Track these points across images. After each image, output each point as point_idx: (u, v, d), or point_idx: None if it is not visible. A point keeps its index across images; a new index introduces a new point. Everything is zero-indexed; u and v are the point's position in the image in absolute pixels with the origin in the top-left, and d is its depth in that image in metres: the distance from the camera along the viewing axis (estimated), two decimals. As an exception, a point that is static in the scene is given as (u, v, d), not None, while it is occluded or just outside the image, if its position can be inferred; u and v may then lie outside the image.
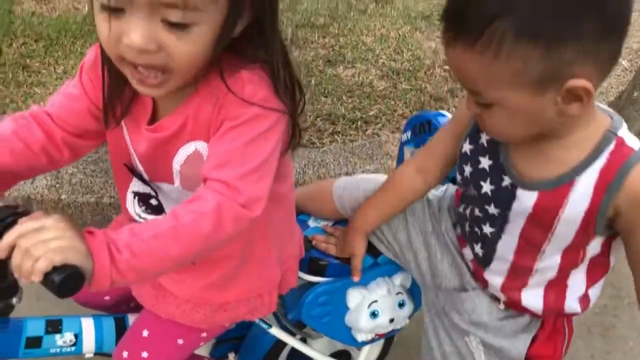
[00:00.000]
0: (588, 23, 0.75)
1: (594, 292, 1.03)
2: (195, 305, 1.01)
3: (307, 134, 2.08)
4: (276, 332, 1.23)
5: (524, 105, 0.82)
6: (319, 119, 2.16)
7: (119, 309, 1.17)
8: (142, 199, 0.97)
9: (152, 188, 0.95)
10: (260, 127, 0.79)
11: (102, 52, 0.83)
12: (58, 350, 1.06)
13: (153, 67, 0.76)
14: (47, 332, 1.04)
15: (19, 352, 1.03)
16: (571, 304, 1.01)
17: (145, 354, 1.01)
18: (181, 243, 0.75)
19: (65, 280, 0.67)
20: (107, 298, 1.15)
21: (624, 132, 0.88)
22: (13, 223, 0.72)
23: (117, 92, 0.87)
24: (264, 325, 1.22)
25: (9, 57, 2.37)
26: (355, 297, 1.17)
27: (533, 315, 1.05)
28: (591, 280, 1.01)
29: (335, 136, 2.10)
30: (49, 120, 0.90)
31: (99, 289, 0.71)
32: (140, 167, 0.94)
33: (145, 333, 1.02)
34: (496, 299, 1.07)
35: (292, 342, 1.27)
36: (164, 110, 0.87)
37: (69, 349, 1.07)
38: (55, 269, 0.67)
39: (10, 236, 0.69)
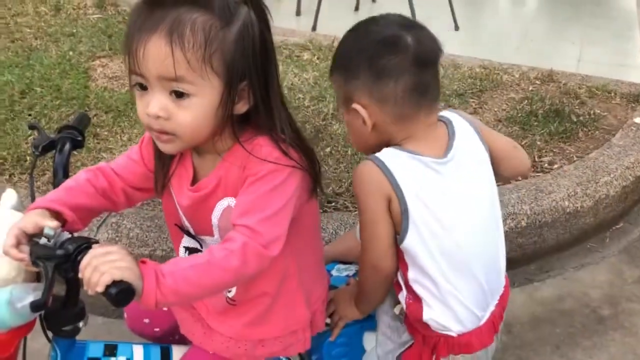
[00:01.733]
0: (363, 69, 1.09)
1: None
2: (237, 342, 1.18)
3: (342, 198, 2.26)
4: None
5: (348, 120, 1.14)
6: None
7: (166, 340, 1.34)
8: (192, 252, 1.17)
9: (198, 242, 1.15)
10: (275, 180, 0.99)
11: None
12: (112, 372, 1.24)
13: (165, 132, 0.99)
14: (104, 354, 1.22)
15: (81, 371, 1.21)
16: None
17: None
18: (213, 274, 0.94)
19: (120, 293, 0.86)
20: (157, 330, 1.33)
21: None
22: (88, 248, 0.92)
23: (163, 162, 1.09)
24: (289, 364, 1.36)
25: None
26: (371, 340, 1.31)
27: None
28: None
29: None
30: (112, 173, 1.15)
31: (147, 306, 0.90)
32: (187, 224, 1.14)
33: None
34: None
35: (316, 381, 1.40)
36: (201, 174, 1.09)
37: (121, 372, 1.24)
38: (114, 283, 0.86)
39: (87, 257, 0.89)
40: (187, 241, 1.17)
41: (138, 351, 1.25)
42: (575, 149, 2.68)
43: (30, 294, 0.97)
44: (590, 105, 3.04)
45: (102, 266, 0.88)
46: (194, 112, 0.97)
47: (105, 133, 2.68)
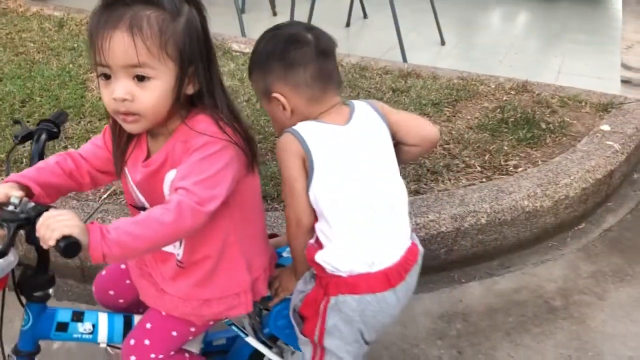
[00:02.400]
0: (276, 62, 1.34)
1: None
2: (185, 301, 1.33)
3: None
4: (252, 341, 1.52)
5: (270, 110, 1.36)
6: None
7: (129, 310, 1.49)
8: None
9: None
10: (210, 150, 1.16)
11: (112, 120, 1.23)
12: (79, 336, 1.39)
13: (131, 114, 1.16)
14: (72, 319, 1.38)
15: (50, 334, 1.37)
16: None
17: (147, 342, 1.33)
18: (152, 227, 1.10)
19: (68, 246, 1.03)
20: (121, 301, 1.48)
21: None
22: (45, 210, 1.09)
23: (119, 146, 1.26)
24: (242, 334, 1.52)
25: (76, 132, 2.87)
26: (312, 312, 1.46)
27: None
28: None
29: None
30: (79, 157, 1.33)
31: (95, 258, 1.06)
32: (142, 200, 1.30)
33: (148, 325, 1.35)
34: None
35: (267, 352, 1.55)
36: (153, 151, 1.25)
37: (87, 337, 1.40)
38: (63, 238, 1.03)
39: (41, 218, 1.06)
40: None
41: (103, 318, 1.41)
42: (542, 154, 2.82)
43: (-2, 254, 1.14)
44: (560, 114, 3.18)
45: (54, 224, 1.04)
46: (154, 92, 1.15)
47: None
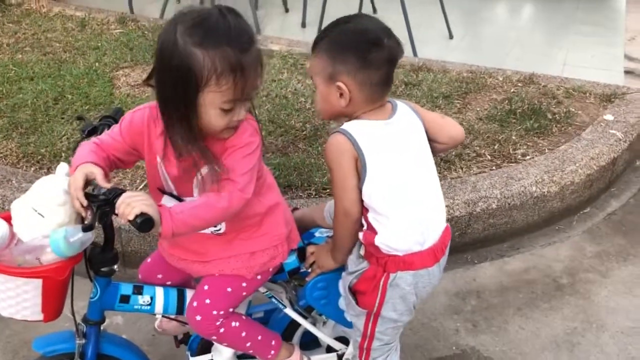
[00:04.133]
0: (353, 57, 1.40)
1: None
2: (236, 258, 1.52)
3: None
4: (289, 312, 1.70)
5: (323, 89, 1.43)
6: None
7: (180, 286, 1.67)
8: None
9: (178, 201, 1.46)
10: (250, 149, 1.36)
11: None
12: (139, 307, 1.57)
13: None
14: (133, 292, 1.56)
15: (115, 305, 1.55)
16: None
17: (207, 301, 1.51)
18: (209, 211, 1.31)
19: (144, 222, 1.21)
20: (169, 283, 1.65)
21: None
22: (121, 194, 1.27)
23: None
24: (281, 306, 1.69)
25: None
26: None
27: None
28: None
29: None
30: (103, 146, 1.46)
31: (165, 234, 1.25)
32: (172, 187, 1.46)
33: (205, 287, 1.53)
34: None
35: (303, 322, 1.72)
36: None
37: (146, 308, 1.58)
38: (139, 215, 1.21)
39: (122, 197, 1.25)
40: (165, 200, 1.47)
41: (159, 292, 1.58)
42: (548, 143, 2.98)
43: (79, 232, 1.31)
44: (566, 105, 3.34)
45: (133, 203, 1.22)
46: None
47: (129, 133, 3.03)
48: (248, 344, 1.57)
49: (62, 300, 1.44)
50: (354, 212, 1.48)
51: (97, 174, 1.33)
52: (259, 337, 1.58)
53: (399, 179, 1.47)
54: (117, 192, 1.28)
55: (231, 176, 1.34)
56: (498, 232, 2.61)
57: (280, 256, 1.57)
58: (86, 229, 1.29)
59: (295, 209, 1.79)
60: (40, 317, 1.41)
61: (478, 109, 3.27)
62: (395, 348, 1.64)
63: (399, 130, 1.48)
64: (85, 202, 1.29)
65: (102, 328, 1.57)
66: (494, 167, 2.77)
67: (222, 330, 1.50)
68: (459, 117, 3.15)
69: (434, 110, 3.21)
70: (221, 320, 1.49)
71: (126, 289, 1.55)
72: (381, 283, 1.50)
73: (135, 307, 1.57)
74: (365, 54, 1.40)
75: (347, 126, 1.46)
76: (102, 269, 1.49)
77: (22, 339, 1.66)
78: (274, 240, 1.55)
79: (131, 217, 1.21)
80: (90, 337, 1.53)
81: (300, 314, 1.71)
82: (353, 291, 1.55)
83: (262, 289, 1.66)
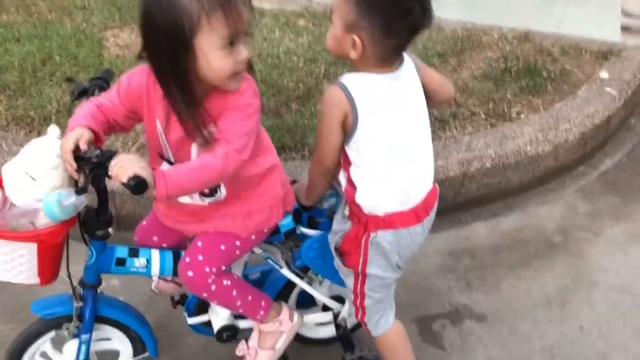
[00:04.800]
0: (378, 17, 1.34)
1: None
2: (232, 217, 1.52)
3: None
4: (286, 272, 1.71)
5: (338, 32, 1.41)
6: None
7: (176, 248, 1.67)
8: None
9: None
10: (249, 110, 1.34)
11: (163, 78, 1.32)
12: (135, 270, 1.57)
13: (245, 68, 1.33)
14: (129, 255, 1.56)
15: (111, 268, 1.55)
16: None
17: (200, 257, 1.51)
18: (204, 172, 1.30)
19: (137, 184, 1.20)
20: (164, 245, 1.65)
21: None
22: (113, 156, 1.26)
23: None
24: (277, 267, 1.70)
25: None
26: (339, 245, 1.63)
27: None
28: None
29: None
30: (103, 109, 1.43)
31: (160, 197, 1.24)
32: (169, 153, 1.44)
33: (199, 244, 1.53)
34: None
35: (299, 282, 1.73)
36: None
37: (142, 270, 1.58)
38: (133, 177, 1.20)
39: (115, 159, 1.24)
40: (164, 166, 1.46)
41: (155, 254, 1.58)
42: (543, 101, 2.96)
43: (72, 195, 1.30)
44: (561, 62, 3.31)
45: (127, 165, 1.21)
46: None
47: (120, 94, 2.99)
48: (238, 303, 1.58)
49: (58, 264, 1.44)
50: (327, 164, 1.50)
51: (85, 136, 1.31)
52: (249, 298, 1.59)
53: (391, 136, 1.46)
54: (109, 155, 1.26)
55: (228, 137, 1.32)
56: (492, 191, 2.62)
57: (276, 217, 1.57)
58: (79, 192, 1.28)
59: (293, 181, 1.78)
60: (37, 280, 1.41)
61: (473, 67, 3.23)
62: (391, 307, 1.66)
63: (401, 86, 1.46)
64: (75, 165, 1.27)
65: (99, 291, 1.58)
66: (488, 126, 2.76)
67: (213, 287, 1.51)
68: (454, 76, 3.12)
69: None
70: (213, 277, 1.50)
71: (122, 252, 1.55)
72: (362, 242, 1.51)
73: (132, 269, 1.57)
74: (392, 21, 1.35)
75: (348, 79, 1.42)
76: (97, 232, 1.49)
77: (20, 302, 1.67)
78: (270, 200, 1.55)
79: (124, 180, 1.20)
80: (87, 300, 1.54)
81: (296, 274, 1.72)
82: (340, 252, 1.56)
83: (258, 250, 1.67)
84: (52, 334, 1.58)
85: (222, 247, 1.52)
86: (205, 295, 1.53)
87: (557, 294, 2.18)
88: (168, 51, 1.26)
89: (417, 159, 1.51)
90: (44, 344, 1.60)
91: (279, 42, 3.44)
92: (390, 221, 1.49)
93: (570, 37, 3.57)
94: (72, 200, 1.30)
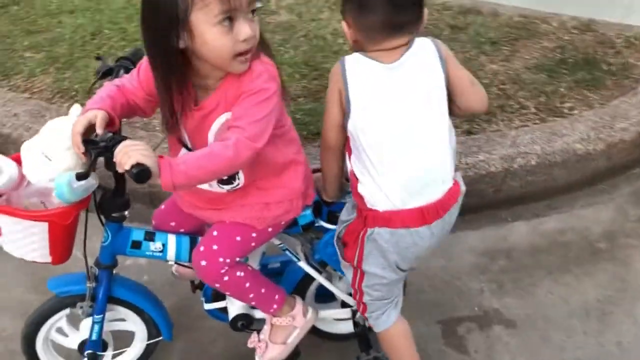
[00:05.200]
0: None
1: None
2: (250, 207, 1.48)
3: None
4: (303, 265, 1.66)
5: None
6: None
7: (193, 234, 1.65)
8: None
9: None
10: (264, 95, 1.27)
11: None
12: (151, 254, 1.56)
13: (250, 50, 1.26)
14: (145, 238, 1.54)
15: (126, 250, 1.54)
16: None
17: (215, 247, 1.47)
18: (213, 160, 1.24)
19: (140, 173, 1.17)
20: (182, 231, 1.62)
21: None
22: (121, 141, 1.23)
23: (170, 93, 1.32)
24: (294, 259, 1.66)
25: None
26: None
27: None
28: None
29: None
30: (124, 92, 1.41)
31: (165, 186, 1.20)
32: (187, 140, 1.41)
33: (215, 233, 1.50)
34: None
35: (317, 276, 1.68)
36: (203, 96, 1.34)
37: (158, 254, 1.56)
38: (136, 165, 1.17)
39: (120, 146, 1.20)
40: (183, 152, 1.43)
41: (172, 239, 1.56)
42: (600, 97, 2.78)
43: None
44: (625, 55, 3.10)
45: (130, 152, 1.18)
46: (257, 21, 1.26)
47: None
48: (251, 296, 1.55)
49: (70, 244, 1.44)
50: (330, 142, 1.46)
51: (99, 119, 1.29)
52: (262, 290, 1.55)
53: (386, 124, 1.38)
54: (117, 140, 1.24)
55: (240, 123, 1.27)
56: (536, 190, 2.48)
57: (295, 211, 1.52)
58: (80, 177, 1.26)
59: (315, 170, 1.72)
60: (49, 259, 1.42)
61: (527, 57, 3.07)
62: (395, 304, 1.58)
63: (401, 76, 1.37)
64: (82, 148, 1.26)
65: (115, 271, 1.58)
66: (537, 121, 2.61)
67: (226, 278, 1.48)
68: (505, 65, 2.97)
69: (479, 57, 3.04)
70: (226, 268, 1.47)
71: (138, 234, 1.54)
72: (360, 236, 1.45)
73: (147, 253, 1.55)
74: None
75: (350, 57, 1.39)
76: (113, 215, 1.48)
77: (43, 277, 1.71)
78: (290, 194, 1.50)
79: (127, 167, 1.17)
80: (101, 280, 1.54)
81: (314, 268, 1.67)
82: (342, 242, 1.52)
83: (276, 241, 1.63)
84: (67, 311, 1.59)
85: (238, 238, 1.49)
86: (217, 285, 1.50)
87: (597, 304, 2.05)
88: (164, 28, 1.21)
89: (424, 156, 1.40)
90: (60, 320, 1.62)
91: (326, 23, 3.37)
92: (388, 219, 1.41)
93: (637, 28, 3.33)
94: (82, 183, 1.29)
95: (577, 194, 2.53)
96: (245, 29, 1.22)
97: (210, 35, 1.21)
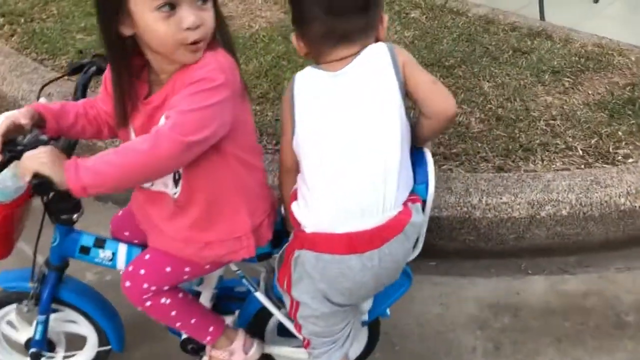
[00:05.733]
0: (295, 12, 1.32)
1: None
2: (186, 244, 1.37)
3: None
4: (260, 296, 1.54)
5: None
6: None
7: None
8: None
9: None
10: (206, 85, 1.15)
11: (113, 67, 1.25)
12: (100, 261, 1.50)
13: (199, 41, 1.16)
14: (94, 245, 1.49)
15: (75, 254, 1.49)
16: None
17: (142, 272, 1.39)
18: (127, 156, 1.13)
19: (38, 184, 1.10)
20: (135, 241, 1.54)
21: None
22: (36, 147, 1.16)
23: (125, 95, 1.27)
24: (251, 288, 1.54)
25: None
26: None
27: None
28: None
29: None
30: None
31: (76, 191, 1.11)
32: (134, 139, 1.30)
33: (147, 257, 1.42)
34: None
35: (273, 310, 1.56)
36: (156, 91, 1.26)
37: (107, 263, 1.50)
38: (36, 175, 1.09)
39: (23, 157, 1.14)
40: None
41: (122, 248, 1.50)
42: (664, 147, 2.46)
43: (8, 179, 1.24)
44: None
45: (29, 162, 1.11)
46: (211, 11, 1.18)
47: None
48: (177, 324, 1.46)
49: (8, 242, 1.40)
50: (287, 164, 1.38)
51: (20, 119, 1.22)
52: (192, 321, 1.45)
53: (328, 141, 1.26)
54: (34, 144, 1.17)
55: (170, 113, 1.14)
56: (566, 243, 2.22)
57: (245, 250, 1.38)
58: None
59: None
60: (-17, 254, 1.39)
61: (589, 92, 2.77)
62: (340, 347, 1.43)
63: (345, 84, 1.27)
64: None
65: (66, 274, 1.53)
66: (582, 166, 2.34)
67: (148, 304, 1.39)
68: (562, 99, 2.70)
69: (535, 86, 2.78)
70: (150, 294, 1.38)
71: (87, 240, 1.49)
72: (290, 258, 1.33)
73: (96, 260, 1.50)
74: (299, 6, 1.30)
75: (301, 73, 1.33)
76: (62, 217, 1.43)
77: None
78: (236, 230, 1.36)
79: (27, 179, 1.10)
80: (48, 281, 1.50)
81: (272, 301, 1.55)
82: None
83: (233, 267, 1.52)
84: (14, 306, 1.56)
85: (168, 269, 1.39)
86: (139, 309, 1.41)
87: (607, 388, 1.80)
88: (106, 13, 1.17)
89: (364, 174, 1.25)
90: (10, 313, 1.60)
91: (381, 34, 3.21)
92: (313, 241, 1.28)
93: None
94: (8, 184, 1.24)
95: (613, 255, 2.24)
96: (189, 17, 1.13)
97: (148, 20, 1.14)
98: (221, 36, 1.25)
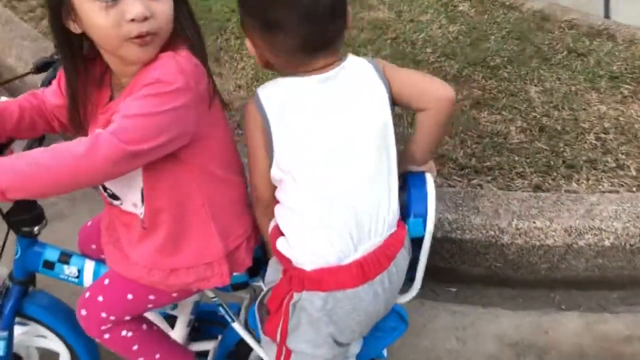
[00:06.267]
0: (257, 17, 1.10)
1: None
2: (151, 270, 1.22)
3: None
4: (237, 327, 1.38)
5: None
6: (432, 157, 2.18)
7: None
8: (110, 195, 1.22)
9: None
10: (162, 89, 1.00)
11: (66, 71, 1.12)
12: (65, 277, 1.38)
13: (148, 34, 1.01)
14: (59, 260, 1.36)
15: (39, 268, 1.37)
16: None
17: (100, 299, 1.25)
18: (58, 157, 0.97)
19: None
20: (102, 256, 1.38)
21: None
22: None
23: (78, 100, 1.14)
24: (228, 319, 1.38)
25: (209, 49, 2.85)
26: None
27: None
28: None
29: (438, 178, 2.10)
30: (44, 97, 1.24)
31: None
32: None
33: (106, 282, 1.27)
34: None
35: (251, 342, 1.39)
36: (117, 95, 1.12)
37: (73, 280, 1.38)
38: None
39: None
40: None
41: (89, 265, 1.37)
42: None
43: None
44: None
45: None
46: (168, 3, 1.04)
47: (226, 58, 2.82)
48: (140, 359, 1.30)
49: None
50: (262, 194, 1.19)
51: None
52: (157, 356, 1.30)
53: (310, 162, 1.11)
54: None
55: (115, 117, 1.00)
56: (608, 276, 1.96)
57: (218, 278, 1.23)
58: None
59: None
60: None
61: (652, 103, 2.46)
62: None
63: (335, 89, 1.12)
64: None
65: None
66: (634, 189, 2.06)
67: (106, 336, 1.25)
68: (618, 109, 2.40)
69: (588, 92, 2.49)
70: (109, 325, 1.24)
71: (51, 254, 1.36)
72: (284, 304, 1.14)
73: (61, 276, 1.38)
74: (268, 10, 1.07)
75: (264, 89, 1.14)
76: (23, 229, 1.31)
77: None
78: (206, 255, 1.21)
79: None
80: (11, 295, 1.39)
81: (249, 332, 1.39)
82: (267, 310, 1.20)
83: (210, 293, 1.37)
84: (-23, 318, 1.47)
85: (130, 297, 1.24)
86: (98, 341, 1.27)
87: None
88: (51, 6, 1.05)
89: (369, 192, 1.12)
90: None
91: (424, 27, 2.99)
92: (319, 280, 1.10)
93: None
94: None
95: (667, 293, 1.96)
96: (133, 7, 0.99)
97: (89, 12, 1.00)
98: (190, 36, 1.10)
